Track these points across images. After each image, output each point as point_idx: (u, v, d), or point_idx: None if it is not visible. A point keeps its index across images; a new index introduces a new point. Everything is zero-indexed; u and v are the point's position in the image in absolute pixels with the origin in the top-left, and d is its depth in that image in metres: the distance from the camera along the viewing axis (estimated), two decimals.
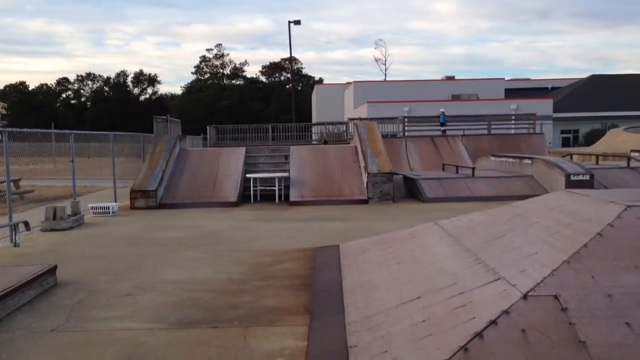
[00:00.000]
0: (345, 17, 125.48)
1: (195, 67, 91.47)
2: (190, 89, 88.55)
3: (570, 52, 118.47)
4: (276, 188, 17.17)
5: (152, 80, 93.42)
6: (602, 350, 3.67)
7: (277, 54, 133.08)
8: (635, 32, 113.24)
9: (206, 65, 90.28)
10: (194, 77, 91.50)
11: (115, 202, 16.01)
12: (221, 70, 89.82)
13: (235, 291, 6.78)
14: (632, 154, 19.55)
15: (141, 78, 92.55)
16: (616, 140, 27.40)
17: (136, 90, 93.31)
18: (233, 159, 18.86)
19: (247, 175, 17.77)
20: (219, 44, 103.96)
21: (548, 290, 4.22)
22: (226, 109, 77.14)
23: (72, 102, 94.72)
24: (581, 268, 4.40)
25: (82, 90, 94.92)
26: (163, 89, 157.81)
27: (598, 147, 28.57)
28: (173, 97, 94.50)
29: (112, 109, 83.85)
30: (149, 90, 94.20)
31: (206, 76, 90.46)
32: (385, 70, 75.09)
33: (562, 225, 5.42)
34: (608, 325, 3.87)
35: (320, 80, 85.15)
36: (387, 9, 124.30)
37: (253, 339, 5.11)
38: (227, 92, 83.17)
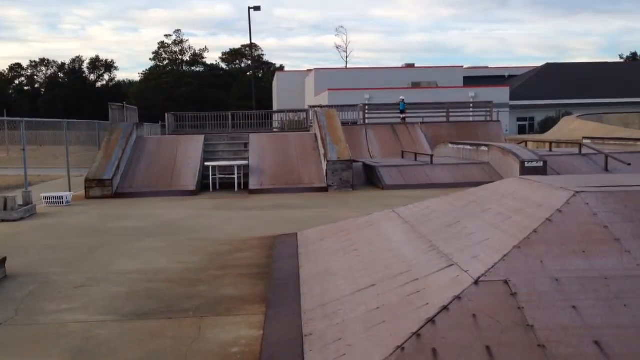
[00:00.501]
0: (307, 3, 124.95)
1: (153, 53, 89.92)
2: (149, 75, 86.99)
3: (527, 40, 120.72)
4: (235, 176, 17.04)
5: (109, 66, 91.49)
6: (549, 333, 3.76)
7: (238, 41, 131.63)
8: (589, 21, 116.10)
9: (165, 52, 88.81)
10: (152, 63, 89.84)
11: (70, 191, 15.66)
12: (180, 57, 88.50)
13: (192, 281, 6.72)
14: (584, 141, 20.07)
15: (97, 64, 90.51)
16: (569, 127, 28.07)
17: (92, 77, 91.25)
18: (192, 147, 18.63)
19: (206, 164, 17.58)
20: (178, 30, 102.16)
21: (498, 276, 4.29)
22: (186, 96, 76.06)
23: (26, 88, 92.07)
24: (531, 253, 4.49)
25: (35, 77, 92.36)
26: (121, 75, 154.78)
27: (552, 134, 29.22)
28: (131, 83, 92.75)
29: (67, 95, 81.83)
30: (106, 77, 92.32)
31: (165, 62, 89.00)
32: (346, 57, 75.24)
33: (513, 212, 5.52)
34: (555, 309, 3.95)
35: (282, 68, 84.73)
36: None
37: (208, 329, 5.07)
38: (186, 78, 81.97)
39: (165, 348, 4.65)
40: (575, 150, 18.51)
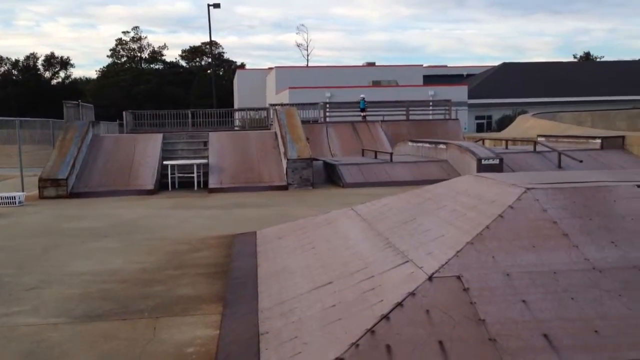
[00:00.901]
0: (269, 1, 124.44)
1: (111, 50, 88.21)
2: (106, 73, 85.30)
3: (486, 40, 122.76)
4: (195, 175, 16.88)
5: (65, 63, 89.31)
6: (499, 327, 3.83)
7: (198, 38, 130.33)
8: (545, 20, 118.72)
9: (123, 49, 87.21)
10: (110, 60, 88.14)
11: (23, 191, 15.25)
12: (139, 54, 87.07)
13: (148, 281, 6.63)
14: (539, 139, 20.52)
15: (53, 61, 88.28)
16: (525, 125, 28.66)
17: (47, 74, 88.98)
18: (150, 145, 18.36)
19: (165, 163, 17.36)
20: (136, 27, 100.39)
21: (452, 272, 4.35)
22: (144, 94, 74.87)
23: None
24: (483, 249, 4.57)
25: None
26: (77, 72, 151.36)
27: (508, 132, 29.79)
28: (88, 81, 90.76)
29: (21, 93, 79.62)
30: (62, 74, 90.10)
31: (123, 60, 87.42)
32: (307, 55, 75.31)
33: (468, 208, 5.61)
34: (506, 303, 4.04)
35: (242, 65, 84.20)
36: None
37: (164, 330, 5.01)
38: (145, 76, 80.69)
39: (118, 350, 4.58)
40: (530, 147, 18.93)
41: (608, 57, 77.55)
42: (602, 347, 3.63)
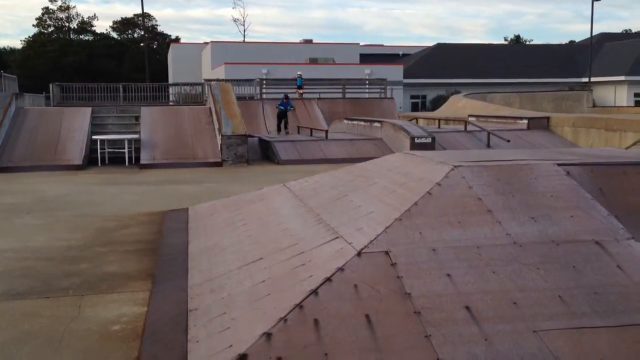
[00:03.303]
0: None
1: (37, 19, 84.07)
2: (32, 43, 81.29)
3: (422, 20, 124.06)
4: (126, 150, 16.43)
5: None
6: (424, 300, 3.94)
7: (132, 9, 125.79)
8: (478, 3, 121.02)
9: (50, 18, 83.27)
10: (36, 30, 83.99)
11: None
12: (67, 24, 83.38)
13: (73, 258, 6.43)
14: (470, 119, 21.07)
15: None
16: (457, 105, 29.32)
17: None
18: (78, 119, 17.70)
19: (94, 137, 16.80)
20: None
21: (380, 247, 4.43)
22: (73, 66, 71.93)
23: None
24: (411, 225, 4.67)
25: None
26: (2, 42, 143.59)
27: (441, 112, 30.43)
28: (13, 51, 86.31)
29: None
30: None
31: (50, 30, 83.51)
32: (244, 31, 74.06)
33: (397, 185, 5.71)
34: (431, 277, 4.15)
35: (177, 39, 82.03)
36: None
37: (89, 308, 4.89)
38: (74, 48, 77.41)
39: (40, 328, 4.44)
40: (462, 127, 19.42)
41: (537, 41, 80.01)
42: (520, 318, 3.79)
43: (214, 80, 28.37)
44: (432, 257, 4.35)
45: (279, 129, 20.87)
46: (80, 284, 5.51)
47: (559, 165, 5.51)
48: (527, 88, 41.36)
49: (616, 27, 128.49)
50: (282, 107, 20.77)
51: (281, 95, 21.57)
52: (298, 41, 56.92)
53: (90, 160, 16.35)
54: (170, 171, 14.80)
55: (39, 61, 73.54)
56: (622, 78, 44.19)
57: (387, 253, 4.37)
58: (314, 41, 54.79)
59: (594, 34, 44.94)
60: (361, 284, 4.08)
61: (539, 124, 19.54)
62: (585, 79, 44.34)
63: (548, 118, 19.96)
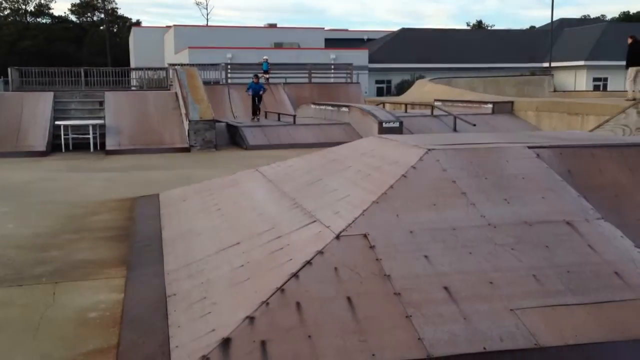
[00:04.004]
0: None
1: None
2: None
3: (387, 5, 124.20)
4: (91, 136, 16.12)
5: None
6: (404, 282, 4.01)
7: None
8: None
9: (5, 1, 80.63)
10: None
11: None
12: (23, 7, 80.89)
13: (44, 246, 6.32)
14: (436, 103, 21.28)
15: None
16: (423, 90, 29.56)
17: None
18: (40, 104, 17.27)
19: (57, 123, 16.42)
20: None
21: (359, 230, 4.48)
22: (31, 50, 69.95)
23: None
24: (387, 207, 4.73)
25: None
26: None
27: (407, 96, 30.63)
28: None
29: None
30: None
31: (6, 12, 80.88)
32: (207, 15, 73.01)
33: (372, 169, 5.76)
34: (409, 259, 4.22)
35: (138, 23, 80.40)
36: None
37: (64, 295, 4.83)
38: (31, 31, 75.21)
39: (15, 317, 4.37)
40: (428, 111, 19.61)
41: (499, 26, 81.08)
42: (497, 297, 3.89)
43: (178, 64, 27.97)
44: (410, 239, 4.42)
45: (254, 113, 19.95)
46: (53, 272, 5.42)
47: (529, 147, 5.63)
48: (490, 73, 41.90)
49: (575, 13, 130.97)
50: (254, 89, 19.77)
51: (248, 80, 21.31)
52: (262, 25, 56.45)
53: (54, 147, 16.00)
54: (137, 157, 14.60)
55: None
56: (581, 63, 45.16)
57: (365, 236, 4.42)
58: (278, 25, 54.36)
59: (553, 19, 45.69)
60: (341, 267, 4.13)
61: (503, 108, 19.86)
62: (546, 64, 45.16)
63: (512, 102, 20.30)
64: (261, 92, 20.06)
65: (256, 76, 20.57)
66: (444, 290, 3.94)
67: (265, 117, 21.17)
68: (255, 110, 19.87)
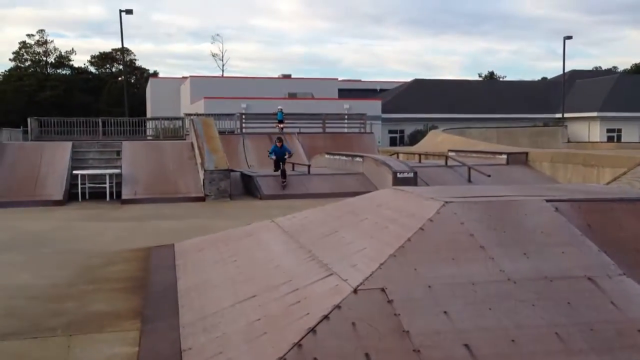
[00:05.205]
0: (187, 9, 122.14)
1: (14, 53, 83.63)
2: (9, 77, 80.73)
3: (399, 56, 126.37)
4: (107, 185, 16.27)
5: None
6: (423, 338, 3.94)
7: (111, 44, 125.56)
8: (453, 40, 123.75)
9: (27, 52, 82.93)
10: (13, 64, 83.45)
11: None
12: (44, 58, 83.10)
13: (59, 297, 6.31)
14: (450, 154, 21.33)
15: None
16: (436, 140, 29.74)
17: None
18: (58, 154, 17.53)
19: (75, 172, 16.63)
20: (42, 30, 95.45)
21: (376, 284, 4.43)
22: (51, 101, 71.49)
23: None
24: (405, 261, 4.69)
25: None
26: None
27: (421, 146, 30.79)
28: None
29: None
30: None
31: (27, 64, 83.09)
32: (223, 66, 74.48)
33: (389, 221, 5.74)
34: (428, 315, 4.16)
35: (155, 74, 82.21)
36: (230, 4, 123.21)
37: (78, 348, 4.78)
38: (51, 82, 77.05)
39: None
40: (442, 162, 19.64)
41: (510, 77, 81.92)
42: (519, 356, 3.80)
43: (194, 114, 28.41)
44: (428, 294, 4.37)
45: (282, 177, 17.07)
46: (68, 324, 5.39)
47: (547, 201, 5.60)
48: (503, 123, 42.14)
49: (586, 64, 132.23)
50: (278, 154, 17.53)
51: (262, 130, 21.43)
52: (277, 76, 57.47)
53: (71, 196, 16.15)
54: (152, 206, 14.68)
55: (14, 95, 73.00)
56: (594, 114, 45.30)
57: (383, 290, 4.37)
58: (292, 76, 55.32)
59: (565, 70, 46.12)
60: (359, 322, 4.07)
61: (518, 159, 19.84)
62: (559, 115, 45.35)
63: (527, 153, 20.30)
64: (286, 157, 17.80)
65: (279, 139, 18.42)
66: (464, 348, 3.86)
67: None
68: (283, 174, 17.13)
